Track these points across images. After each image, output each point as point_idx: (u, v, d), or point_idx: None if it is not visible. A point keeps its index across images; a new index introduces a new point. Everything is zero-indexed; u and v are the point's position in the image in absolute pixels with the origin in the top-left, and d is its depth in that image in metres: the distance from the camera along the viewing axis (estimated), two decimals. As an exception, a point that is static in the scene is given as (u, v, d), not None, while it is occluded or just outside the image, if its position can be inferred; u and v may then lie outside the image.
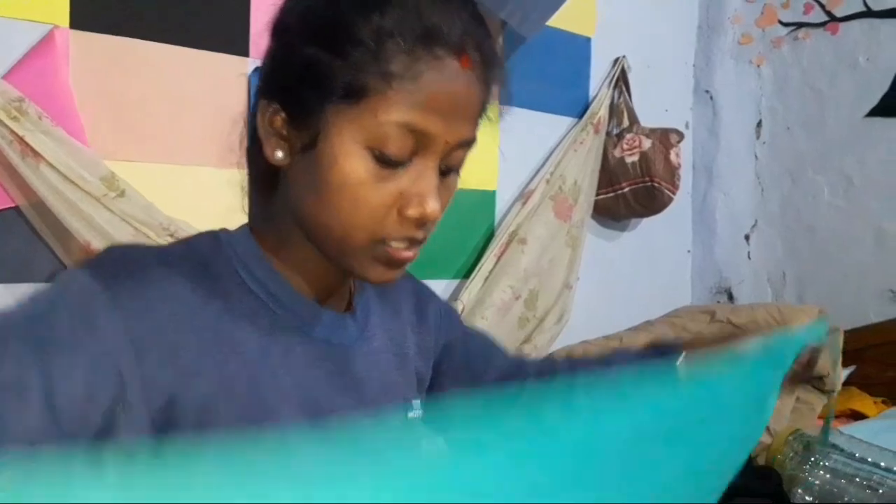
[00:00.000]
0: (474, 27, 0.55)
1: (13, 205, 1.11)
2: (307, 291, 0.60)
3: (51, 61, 1.13)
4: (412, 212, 0.54)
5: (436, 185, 0.55)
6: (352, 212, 0.54)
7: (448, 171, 0.57)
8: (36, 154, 1.07)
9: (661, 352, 0.78)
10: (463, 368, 0.77)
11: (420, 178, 0.54)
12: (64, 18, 1.16)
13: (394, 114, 0.52)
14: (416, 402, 0.67)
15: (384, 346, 0.66)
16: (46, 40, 1.14)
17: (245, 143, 0.62)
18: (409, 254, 0.57)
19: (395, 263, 0.57)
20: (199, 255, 0.57)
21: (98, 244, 1.12)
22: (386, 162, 0.53)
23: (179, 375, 0.51)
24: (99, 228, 1.11)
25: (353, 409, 0.60)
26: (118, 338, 0.49)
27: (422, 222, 0.55)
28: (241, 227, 0.61)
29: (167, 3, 1.26)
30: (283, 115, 0.56)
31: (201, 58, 1.29)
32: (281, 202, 0.59)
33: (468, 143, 0.57)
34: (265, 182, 0.60)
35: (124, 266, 0.53)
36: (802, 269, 2.15)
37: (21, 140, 1.06)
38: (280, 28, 0.57)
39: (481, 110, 0.58)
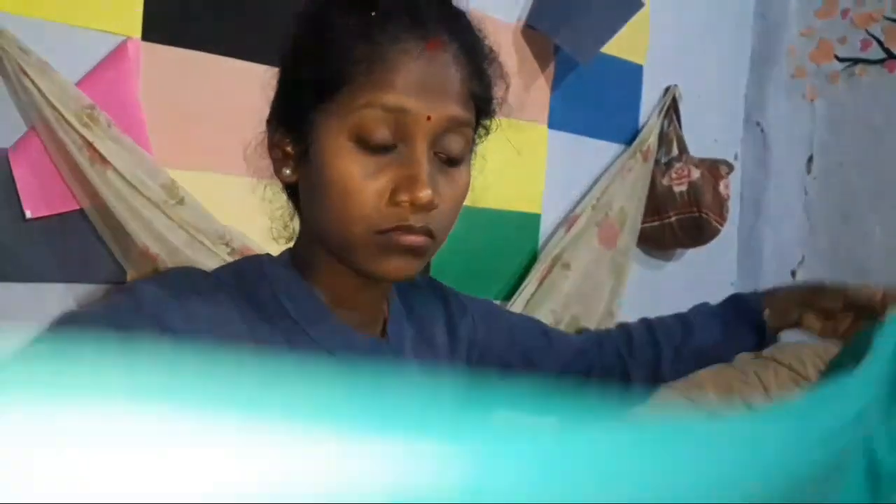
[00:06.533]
0: (443, 13, 0.57)
1: (78, 207, 1.15)
2: (343, 314, 0.61)
3: (122, 71, 1.17)
4: (402, 197, 0.53)
5: (426, 169, 0.54)
6: (344, 205, 0.54)
7: (451, 161, 0.56)
8: (103, 160, 1.10)
9: (738, 309, 0.80)
10: (519, 363, 0.76)
11: (408, 163, 0.54)
12: (136, 30, 1.20)
13: (367, 96, 0.53)
14: None
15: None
16: (119, 51, 1.18)
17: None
18: (415, 239, 0.55)
19: (405, 252, 0.55)
20: (245, 282, 0.59)
21: (156, 249, 1.14)
22: (371, 149, 0.54)
23: None
24: (157, 234, 1.14)
25: None
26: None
27: (416, 208, 0.53)
28: (283, 253, 0.64)
29: (235, 17, 1.30)
30: (283, 133, 0.60)
31: (264, 72, 1.32)
32: (303, 221, 0.63)
33: (458, 123, 0.55)
34: (293, 205, 0.64)
35: (189, 285, 0.56)
36: (851, 309, 2.09)
37: (90, 146, 1.09)
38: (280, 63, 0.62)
39: (469, 92, 0.57)
